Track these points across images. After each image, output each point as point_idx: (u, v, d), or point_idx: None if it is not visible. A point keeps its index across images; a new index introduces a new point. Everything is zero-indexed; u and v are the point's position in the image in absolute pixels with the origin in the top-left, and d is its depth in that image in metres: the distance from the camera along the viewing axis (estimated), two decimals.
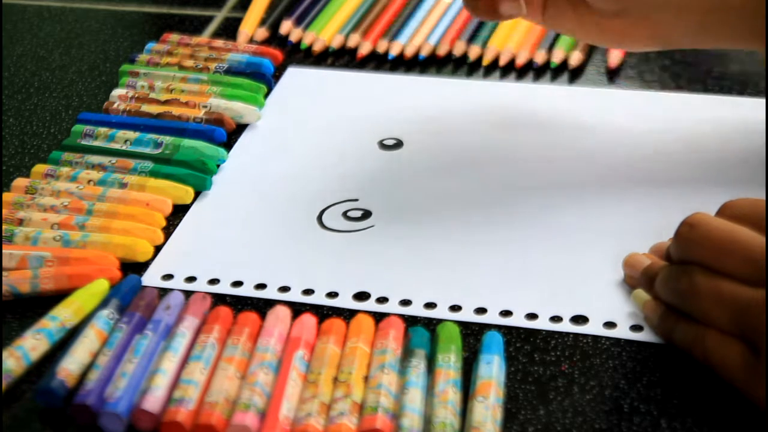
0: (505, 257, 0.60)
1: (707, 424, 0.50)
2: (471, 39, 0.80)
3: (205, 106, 0.72)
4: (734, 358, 0.49)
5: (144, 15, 0.89)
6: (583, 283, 0.58)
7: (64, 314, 0.56)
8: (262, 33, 0.83)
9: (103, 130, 0.70)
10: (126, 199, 0.64)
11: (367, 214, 0.64)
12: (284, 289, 0.59)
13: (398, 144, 0.70)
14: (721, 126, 0.69)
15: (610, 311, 0.56)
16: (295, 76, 0.78)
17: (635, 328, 0.55)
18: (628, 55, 0.78)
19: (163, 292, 0.58)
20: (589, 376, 0.52)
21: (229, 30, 0.85)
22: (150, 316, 0.55)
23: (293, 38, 0.82)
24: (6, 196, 0.64)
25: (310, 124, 0.73)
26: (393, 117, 0.72)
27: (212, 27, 0.86)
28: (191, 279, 0.60)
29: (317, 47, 0.81)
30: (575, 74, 0.77)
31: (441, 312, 0.57)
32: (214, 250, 0.62)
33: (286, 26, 0.83)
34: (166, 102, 0.73)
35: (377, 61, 0.80)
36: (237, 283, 0.59)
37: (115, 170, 0.67)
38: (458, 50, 0.79)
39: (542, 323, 0.56)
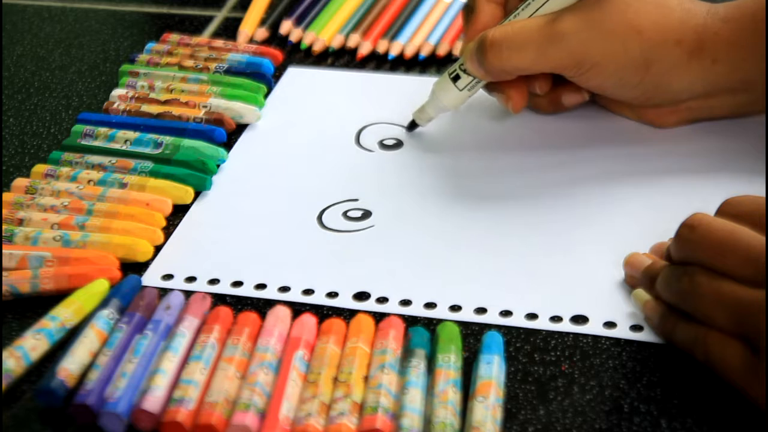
0: (505, 257, 0.60)
1: (707, 424, 0.50)
2: None
3: (205, 106, 0.72)
4: (734, 359, 0.49)
5: (144, 15, 0.89)
6: (583, 283, 0.58)
7: (64, 314, 0.56)
8: (262, 33, 0.83)
9: (103, 130, 0.70)
10: (126, 199, 0.64)
11: (367, 214, 0.64)
12: (284, 289, 0.59)
13: (398, 144, 0.70)
14: (721, 123, 0.69)
15: (610, 311, 0.56)
16: (295, 76, 0.78)
17: (635, 328, 0.55)
18: None
19: (163, 292, 0.58)
20: (589, 376, 0.52)
21: (229, 30, 0.85)
22: (150, 316, 0.55)
23: (293, 38, 0.82)
24: (6, 196, 0.64)
25: (310, 123, 0.73)
26: (393, 117, 0.72)
27: (212, 27, 0.86)
28: (191, 279, 0.60)
29: (317, 47, 0.81)
30: None
31: (441, 312, 0.57)
32: (214, 250, 0.62)
33: (286, 26, 0.83)
34: (166, 102, 0.73)
35: (377, 61, 0.80)
36: (237, 283, 0.59)
37: (115, 170, 0.67)
38: (458, 50, 0.79)
39: (542, 323, 0.56)
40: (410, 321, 0.56)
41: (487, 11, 0.66)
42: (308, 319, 0.55)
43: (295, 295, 0.58)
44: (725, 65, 0.64)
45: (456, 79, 0.67)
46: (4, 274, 0.58)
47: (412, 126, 0.70)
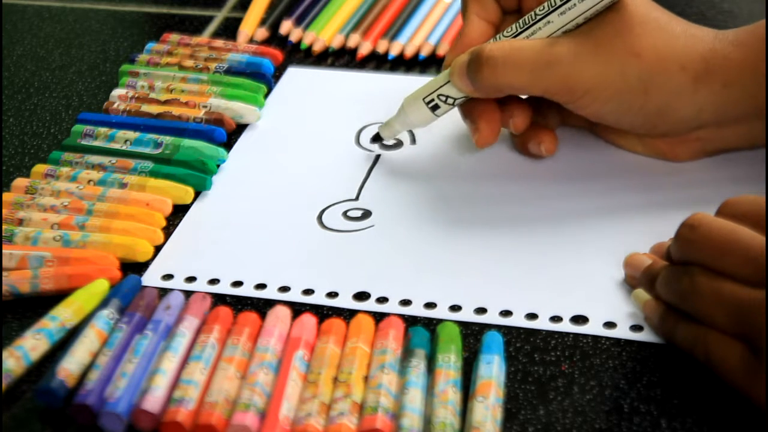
0: (505, 257, 0.60)
1: (707, 424, 0.50)
2: None
3: (205, 106, 0.72)
4: (735, 359, 0.49)
5: (144, 15, 0.89)
6: (583, 283, 0.58)
7: (64, 314, 0.56)
8: (262, 33, 0.83)
9: (103, 130, 0.70)
10: (126, 199, 0.64)
11: (367, 214, 0.64)
12: (284, 289, 0.59)
13: (398, 144, 0.70)
14: None
15: (610, 311, 0.56)
16: (295, 76, 0.78)
17: (635, 328, 0.55)
18: None
19: (163, 292, 0.58)
20: (589, 376, 0.52)
21: (229, 30, 0.85)
22: (150, 316, 0.55)
23: (293, 38, 0.82)
24: (6, 196, 0.64)
25: (310, 124, 0.73)
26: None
27: (212, 27, 0.86)
28: (191, 279, 0.60)
29: (317, 47, 0.81)
30: None
31: (441, 312, 0.57)
32: (214, 250, 0.62)
33: (286, 26, 0.83)
34: (166, 102, 0.73)
35: (377, 61, 0.80)
36: (237, 283, 0.59)
37: (115, 170, 0.67)
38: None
39: (542, 323, 0.56)
40: (410, 321, 0.56)
41: (477, 27, 0.65)
42: (308, 319, 0.55)
43: (295, 295, 0.58)
44: (737, 90, 0.61)
45: (434, 108, 0.65)
46: (4, 274, 0.58)
47: (377, 138, 0.68)
